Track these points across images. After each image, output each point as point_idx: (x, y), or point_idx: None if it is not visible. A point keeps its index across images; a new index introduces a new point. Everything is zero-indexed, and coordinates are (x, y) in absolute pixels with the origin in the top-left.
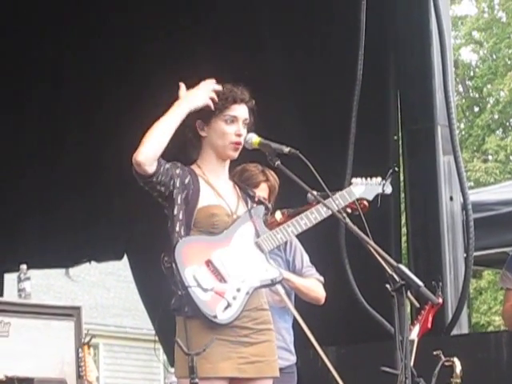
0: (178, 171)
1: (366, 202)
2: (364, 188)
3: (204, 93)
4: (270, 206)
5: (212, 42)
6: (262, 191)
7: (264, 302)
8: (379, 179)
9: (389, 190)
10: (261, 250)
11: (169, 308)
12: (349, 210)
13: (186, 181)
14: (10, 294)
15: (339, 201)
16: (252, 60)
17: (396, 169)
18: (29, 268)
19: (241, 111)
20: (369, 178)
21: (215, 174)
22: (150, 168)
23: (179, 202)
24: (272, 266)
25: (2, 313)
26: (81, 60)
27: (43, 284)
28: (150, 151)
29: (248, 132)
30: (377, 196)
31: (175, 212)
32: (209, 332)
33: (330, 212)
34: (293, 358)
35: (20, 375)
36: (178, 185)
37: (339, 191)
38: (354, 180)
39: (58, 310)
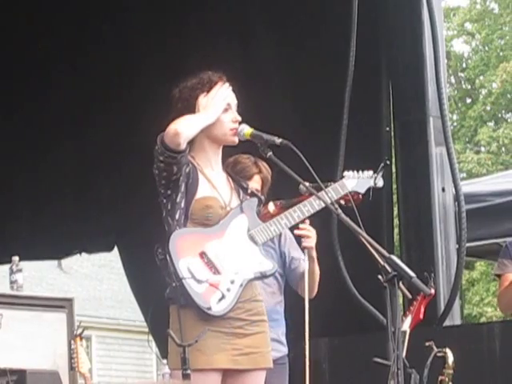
0: (186, 160)
1: (359, 195)
2: (356, 181)
3: (221, 103)
4: (262, 198)
5: (201, 30)
6: (255, 183)
7: (258, 293)
8: (371, 172)
9: (380, 183)
10: (254, 243)
11: (162, 298)
12: (342, 202)
13: (187, 170)
14: (2, 286)
15: (331, 193)
16: (243, 50)
17: (388, 162)
18: (21, 260)
19: (232, 97)
20: (360, 172)
21: (210, 164)
22: (183, 144)
23: (182, 189)
24: (266, 258)
25: None
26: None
27: (35, 276)
28: (188, 130)
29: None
30: (368, 189)
31: (178, 199)
32: (203, 323)
33: (323, 204)
34: (284, 349)
35: (12, 367)
36: (183, 173)
37: (331, 183)
38: (346, 173)
39: (51, 302)
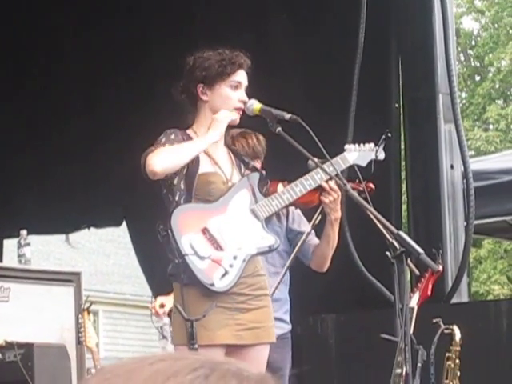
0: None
1: (371, 185)
2: (357, 154)
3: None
4: (264, 173)
5: (209, 6)
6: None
7: (260, 267)
8: (372, 145)
9: (382, 155)
10: (256, 217)
11: (166, 274)
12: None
13: None
14: (10, 260)
15: (333, 167)
16: (253, 28)
17: (389, 135)
18: (28, 234)
19: (244, 77)
20: (362, 144)
21: None
22: (162, 176)
23: (182, 172)
24: (268, 233)
25: (2, 278)
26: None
27: (43, 250)
28: (169, 168)
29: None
30: (370, 162)
31: (175, 182)
32: (206, 299)
33: (325, 178)
34: (287, 327)
35: (20, 340)
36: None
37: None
38: (347, 146)
39: (58, 276)
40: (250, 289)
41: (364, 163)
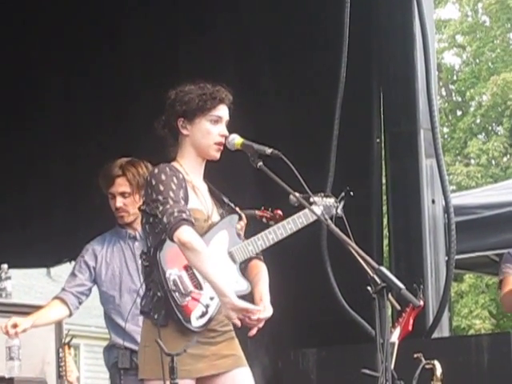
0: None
1: (279, 211)
2: (322, 208)
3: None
4: (242, 214)
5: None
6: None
7: None
8: (332, 200)
9: (341, 212)
10: (233, 261)
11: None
12: (264, 220)
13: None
14: None
15: (302, 219)
16: (238, 62)
17: (351, 193)
18: (10, 268)
19: (225, 112)
20: (325, 198)
21: (196, 173)
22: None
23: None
24: (242, 278)
25: None
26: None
27: (24, 284)
28: (188, 252)
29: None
30: (331, 217)
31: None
32: (181, 336)
33: (295, 229)
34: None
35: (0, 374)
36: None
37: (321, 194)
38: (314, 199)
39: None
40: (220, 325)
41: (327, 217)
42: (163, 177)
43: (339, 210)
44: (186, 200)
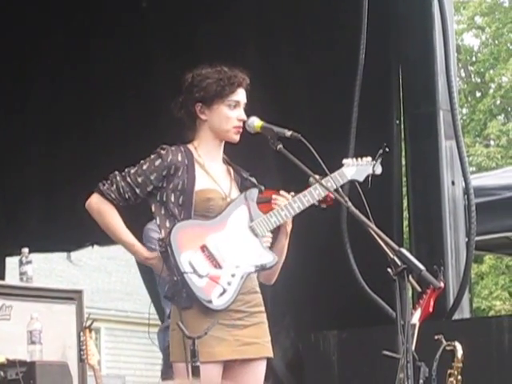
0: (164, 172)
1: (331, 195)
2: (355, 169)
3: None
4: (262, 188)
5: (217, 18)
6: None
7: (255, 284)
8: (369, 159)
9: (379, 170)
10: (255, 235)
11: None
12: (322, 205)
13: (179, 173)
14: (12, 278)
15: (331, 182)
16: (257, 43)
17: (387, 149)
18: (30, 252)
19: (243, 96)
20: (359, 159)
21: (210, 156)
22: None
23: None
24: (265, 251)
25: (4, 296)
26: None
27: (45, 268)
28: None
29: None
30: (367, 176)
31: (172, 199)
32: (205, 317)
33: (323, 194)
34: None
35: (21, 358)
36: (166, 183)
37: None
38: (345, 161)
39: (60, 294)
40: (246, 306)
41: (361, 178)
42: (155, 163)
43: (376, 168)
44: (192, 180)
